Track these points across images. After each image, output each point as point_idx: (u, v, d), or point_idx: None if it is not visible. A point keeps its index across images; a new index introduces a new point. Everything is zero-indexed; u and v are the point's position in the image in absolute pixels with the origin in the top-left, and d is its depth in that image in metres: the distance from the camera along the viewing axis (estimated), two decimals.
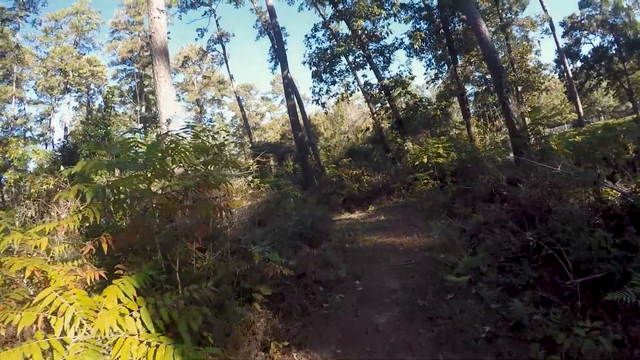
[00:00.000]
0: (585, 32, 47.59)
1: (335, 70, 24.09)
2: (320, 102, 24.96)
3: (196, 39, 52.66)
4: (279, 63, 25.04)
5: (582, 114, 40.26)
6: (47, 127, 49.37)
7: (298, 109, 29.02)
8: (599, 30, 46.19)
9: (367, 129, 25.91)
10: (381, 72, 23.09)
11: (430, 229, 10.31)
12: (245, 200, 8.70)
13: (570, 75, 41.79)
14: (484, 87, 21.54)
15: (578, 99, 39.96)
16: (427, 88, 24.03)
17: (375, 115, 24.44)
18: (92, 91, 52.07)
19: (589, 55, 46.32)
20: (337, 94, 24.98)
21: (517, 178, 9.63)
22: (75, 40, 48.01)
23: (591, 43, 47.96)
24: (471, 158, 15.29)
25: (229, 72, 39.53)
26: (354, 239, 10.68)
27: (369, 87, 23.93)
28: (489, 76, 21.07)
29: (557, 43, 42.27)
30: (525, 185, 8.72)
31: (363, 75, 24.27)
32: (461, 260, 7.01)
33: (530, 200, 8.15)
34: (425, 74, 26.47)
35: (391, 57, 23.39)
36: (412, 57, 23.62)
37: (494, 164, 15.49)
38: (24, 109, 47.38)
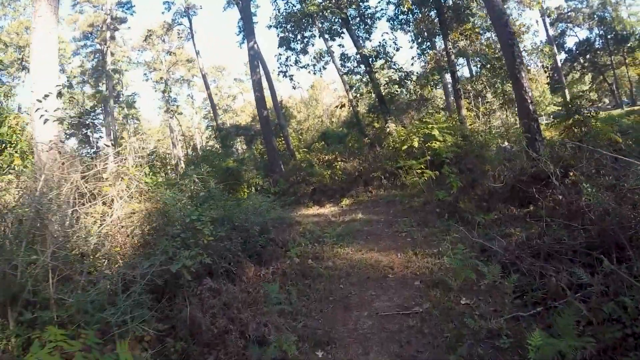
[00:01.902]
0: (571, 24, 45.04)
1: (306, 36, 20.26)
2: (287, 75, 21.13)
3: (162, 12, 47.90)
4: (246, 35, 21.16)
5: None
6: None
7: (267, 86, 25.31)
8: (586, 23, 43.68)
9: (342, 105, 22.01)
10: (361, 43, 19.41)
11: (429, 241, 6.95)
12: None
13: (559, 64, 38.90)
14: (480, 64, 18.10)
15: (566, 90, 37.16)
16: (412, 65, 20.39)
17: (351, 92, 20.79)
18: None
19: (574, 48, 43.84)
20: (308, 65, 21.18)
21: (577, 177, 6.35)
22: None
23: (576, 36, 45.57)
24: (470, 143, 12.00)
25: (195, 47, 35.13)
26: (320, 252, 7.19)
27: (345, 59, 20.23)
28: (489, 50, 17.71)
29: (547, 30, 39.13)
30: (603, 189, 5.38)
31: (339, 45, 20.40)
32: (505, 321, 3.72)
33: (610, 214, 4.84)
34: (411, 47, 22.69)
35: (373, 25, 19.73)
36: (397, 29, 20.03)
37: (509, 152, 12.30)
38: None
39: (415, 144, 10.45)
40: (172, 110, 44.78)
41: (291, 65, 20.94)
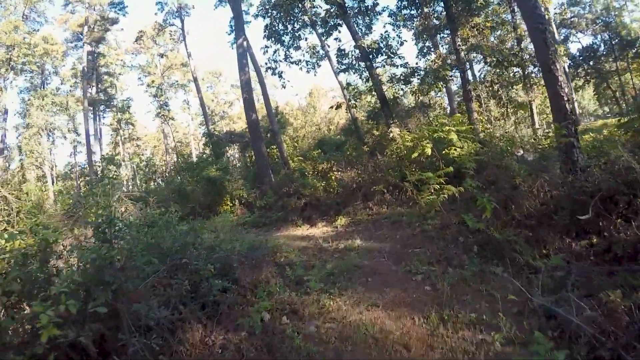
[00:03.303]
0: (574, 30, 43.09)
1: (297, 27, 17.80)
2: (276, 72, 18.66)
3: (155, 14, 45.54)
4: (236, 32, 18.89)
5: (577, 112, 35.29)
6: None
7: (260, 90, 23.11)
8: (589, 29, 41.76)
9: (339, 106, 19.46)
10: (360, 36, 16.94)
11: (460, 294, 4.67)
12: None
13: (567, 69, 36.52)
14: (495, 60, 15.71)
15: (574, 95, 34.88)
16: (416, 64, 18.01)
17: (347, 91, 18.41)
18: (47, 72, 44.87)
19: (578, 54, 41.70)
20: (300, 61, 18.74)
21: None
22: (25, 13, 40.71)
23: (579, 42, 43.66)
24: (489, 152, 9.75)
25: (186, 49, 33.03)
26: (300, 306, 4.88)
27: (342, 56, 17.84)
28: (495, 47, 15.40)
29: (554, 33, 37.00)
30: None
31: (336, 39, 17.96)
32: None
33: None
34: (415, 44, 20.25)
35: (374, 18, 17.38)
36: (400, 25, 17.69)
37: (529, 162, 10.07)
38: None
39: (428, 152, 8.12)
40: (163, 115, 42.48)
41: (280, 60, 18.53)
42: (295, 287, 5.59)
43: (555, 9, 37.29)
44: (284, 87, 19.41)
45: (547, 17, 32.77)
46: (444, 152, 7.90)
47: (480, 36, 14.95)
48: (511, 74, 15.71)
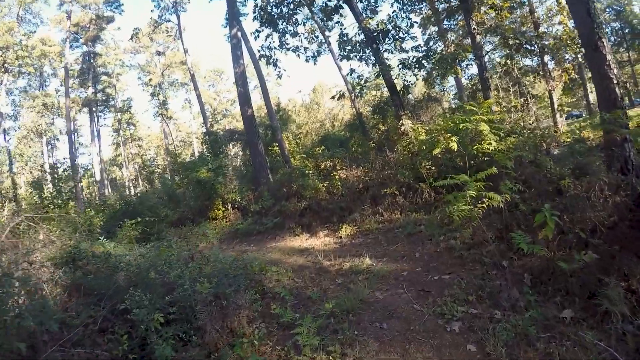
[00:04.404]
0: None
1: (293, 9, 15.89)
2: (271, 60, 16.73)
3: (152, 10, 44.03)
4: (229, 21, 17.19)
5: (591, 103, 33.54)
6: None
7: (258, 85, 21.54)
8: (600, 17, 40.00)
9: (341, 95, 17.44)
10: (365, 17, 15.05)
11: None
12: None
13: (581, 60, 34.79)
14: (518, 43, 13.85)
15: (587, 85, 32.89)
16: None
17: (350, 77, 16.64)
18: (45, 73, 43.44)
19: None
20: (297, 47, 16.89)
21: None
22: (20, 14, 39.17)
23: None
24: (522, 145, 8.27)
25: (183, 45, 31.48)
26: None
27: (345, 42, 16.00)
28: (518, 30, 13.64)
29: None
30: None
31: (337, 22, 16.10)
32: None
33: None
34: (423, 33, 18.43)
35: (378, 1, 15.59)
36: (407, 10, 15.87)
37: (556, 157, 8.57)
38: None
39: (454, 147, 6.43)
40: (162, 114, 40.94)
41: (275, 48, 16.59)
42: (281, 336, 4.01)
43: None
44: (280, 77, 17.16)
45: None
46: (475, 147, 6.21)
47: (498, 17, 13.16)
48: (523, 63, 13.94)
